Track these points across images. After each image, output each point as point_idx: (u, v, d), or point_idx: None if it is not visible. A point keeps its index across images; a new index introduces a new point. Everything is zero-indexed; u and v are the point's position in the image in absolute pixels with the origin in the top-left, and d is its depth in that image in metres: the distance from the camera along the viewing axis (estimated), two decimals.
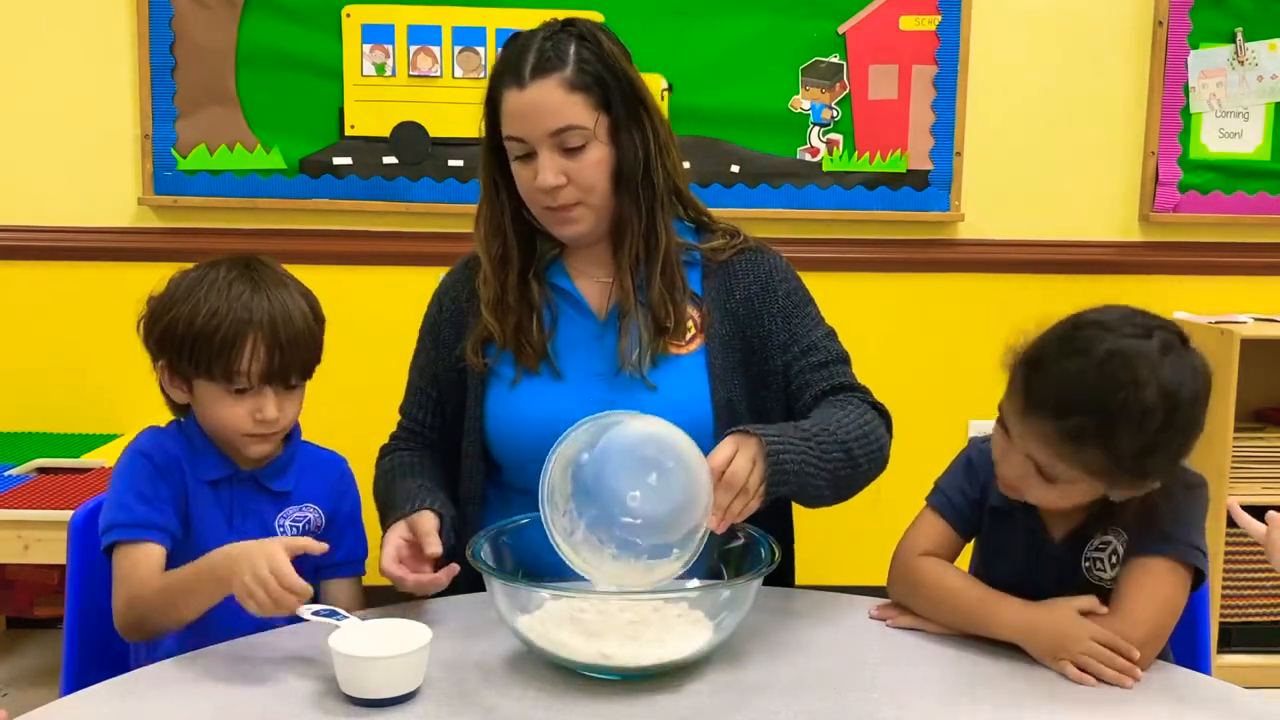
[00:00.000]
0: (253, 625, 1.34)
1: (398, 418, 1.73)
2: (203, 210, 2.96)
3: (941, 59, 2.99)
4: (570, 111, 1.51)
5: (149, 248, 2.92)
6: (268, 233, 2.93)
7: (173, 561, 1.41)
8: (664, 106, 2.91)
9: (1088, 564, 1.38)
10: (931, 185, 3.03)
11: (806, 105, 2.99)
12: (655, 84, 2.89)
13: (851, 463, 1.46)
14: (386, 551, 1.44)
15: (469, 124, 1.61)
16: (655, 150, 1.57)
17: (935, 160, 3.02)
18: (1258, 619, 2.91)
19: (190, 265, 1.50)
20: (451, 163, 2.96)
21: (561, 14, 1.61)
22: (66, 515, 1.60)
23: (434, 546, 1.43)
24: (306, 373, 1.50)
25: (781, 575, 1.52)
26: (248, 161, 2.95)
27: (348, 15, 2.91)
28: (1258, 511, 1.29)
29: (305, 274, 1.55)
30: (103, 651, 1.53)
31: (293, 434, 1.55)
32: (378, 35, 2.92)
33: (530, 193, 1.56)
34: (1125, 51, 3.05)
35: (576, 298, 1.64)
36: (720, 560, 1.38)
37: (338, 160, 2.95)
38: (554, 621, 1.28)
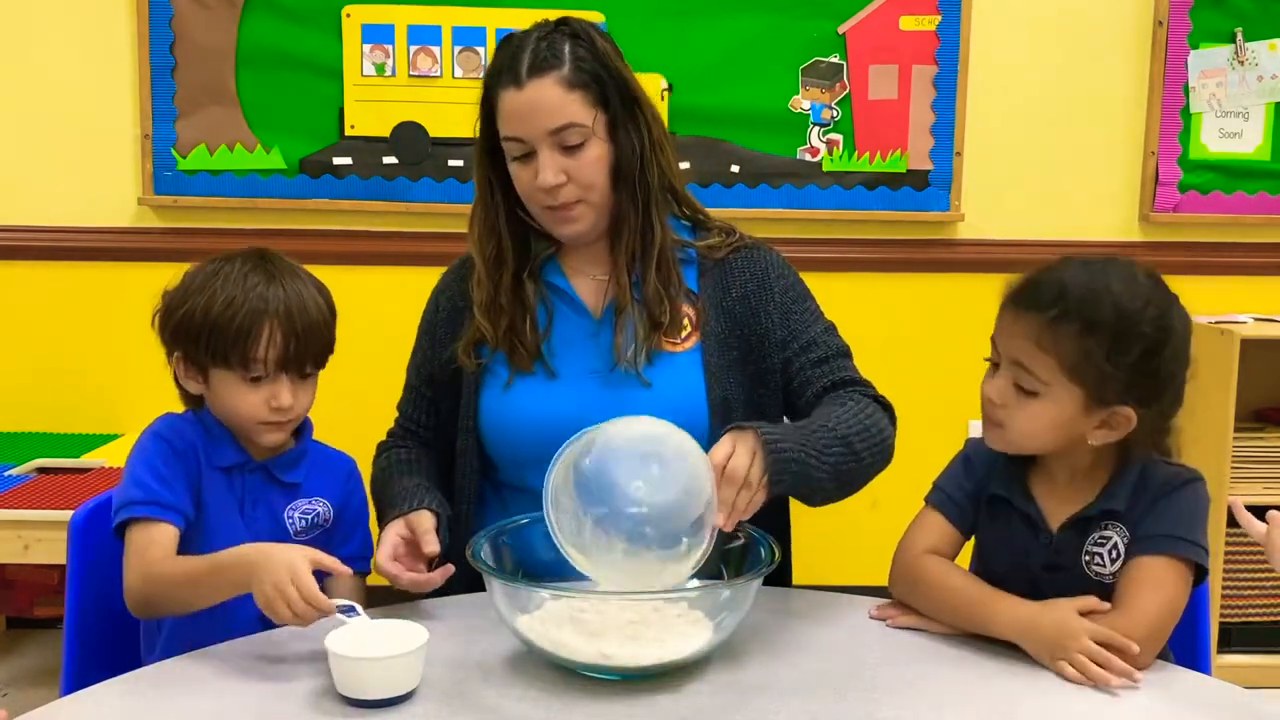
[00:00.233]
0: (252, 617, 1.34)
1: (396, 416, 1.73)
2: (203, 210, 2.96)
3: (941, 59, 2.99)
4: (569, 109, 1.51)
5: (149, 248, 2.93)
6: (268, 233, 2.92)
7: (183, 544, 1.42)
8: (664, 106, 2.91)
9: (1087, 557, 1.37)
10: (931, 185, 3.03)
11: (806, 105, 2.99)
12: (655, 84, 2.89)
13: (854, 456, 1.46)
14: (383, 549, 1.45)
15: (469, 124, 1.61)
16: (650, 146, 1.57)
17: (935, 160, 3.02)
18: (1258, 619, 2.91)
19: (198, 263, 1.52)
20: (451, 163, 2.96)
21: (557, 14, 1.61)
22: (66, 515, 1.60)
23: (432, 545, 1.43)
24: (320, 362, 1.52)
25: (779, 575, 1.51)
26: (248, 161, 2.95)
27: (348, 15, 2.91)
28: (1258, 511, 1.29)
29: None
30: (103, 651, 1.53)
31: (305, 430, 1.57)
32: (378, 35, 2.92)
33: (530, 192, 1.56)
34: (1125, 51, 3.05)
35: (571, 296, 1.64)
36: (720, 560, 1.37)
37: (338, 160, 2.95)
38: (554, 621, 1.27)
